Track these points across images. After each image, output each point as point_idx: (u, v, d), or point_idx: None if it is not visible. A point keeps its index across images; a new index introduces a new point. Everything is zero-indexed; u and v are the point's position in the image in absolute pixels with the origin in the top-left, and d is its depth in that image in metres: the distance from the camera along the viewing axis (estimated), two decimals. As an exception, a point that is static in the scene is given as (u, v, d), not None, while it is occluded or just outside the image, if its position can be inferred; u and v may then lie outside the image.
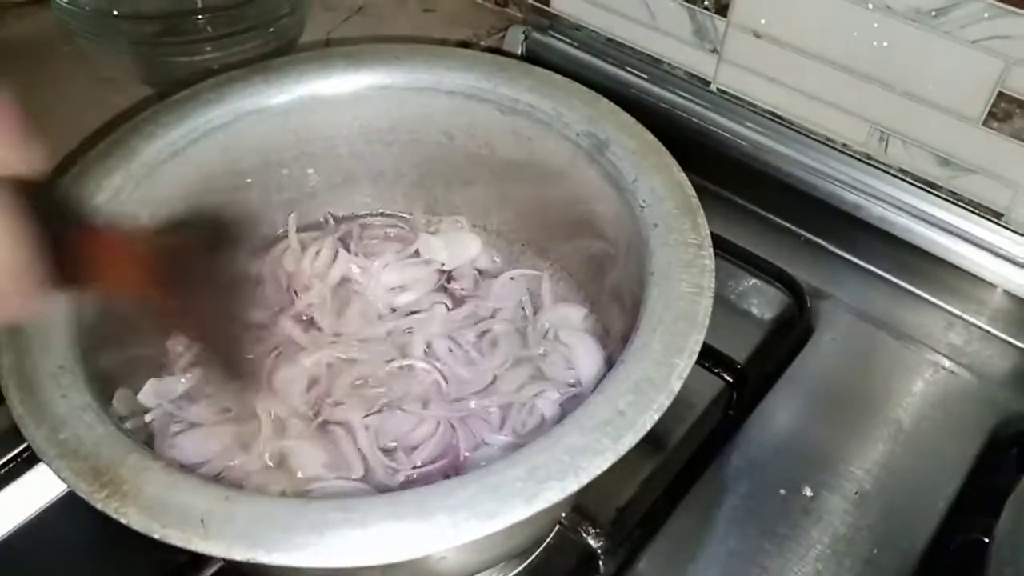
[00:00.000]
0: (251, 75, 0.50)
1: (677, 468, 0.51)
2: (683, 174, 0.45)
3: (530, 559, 0.49)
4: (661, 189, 0.44)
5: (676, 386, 0.36)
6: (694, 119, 0.71)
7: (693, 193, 0.44)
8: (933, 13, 0.55)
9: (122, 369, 0.44)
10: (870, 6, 0.58)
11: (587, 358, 0.48)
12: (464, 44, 0.77)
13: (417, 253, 0.56)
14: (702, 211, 0.43)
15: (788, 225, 0.67)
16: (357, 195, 0.57)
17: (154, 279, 0.34)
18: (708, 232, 0.42)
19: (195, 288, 0.37)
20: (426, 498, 0.33)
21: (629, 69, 0.73)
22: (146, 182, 0.46)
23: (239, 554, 0.31)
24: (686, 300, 0.39)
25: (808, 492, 0.52)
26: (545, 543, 0.50)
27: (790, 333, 0.59)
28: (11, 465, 0.49)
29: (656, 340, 0.37)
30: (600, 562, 0.47)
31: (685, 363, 0.37)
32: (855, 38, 0.60)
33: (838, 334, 0.60)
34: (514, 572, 0.49)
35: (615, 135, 0.47)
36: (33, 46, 0.75)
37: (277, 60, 0.51)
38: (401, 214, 0.58)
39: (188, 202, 0.49)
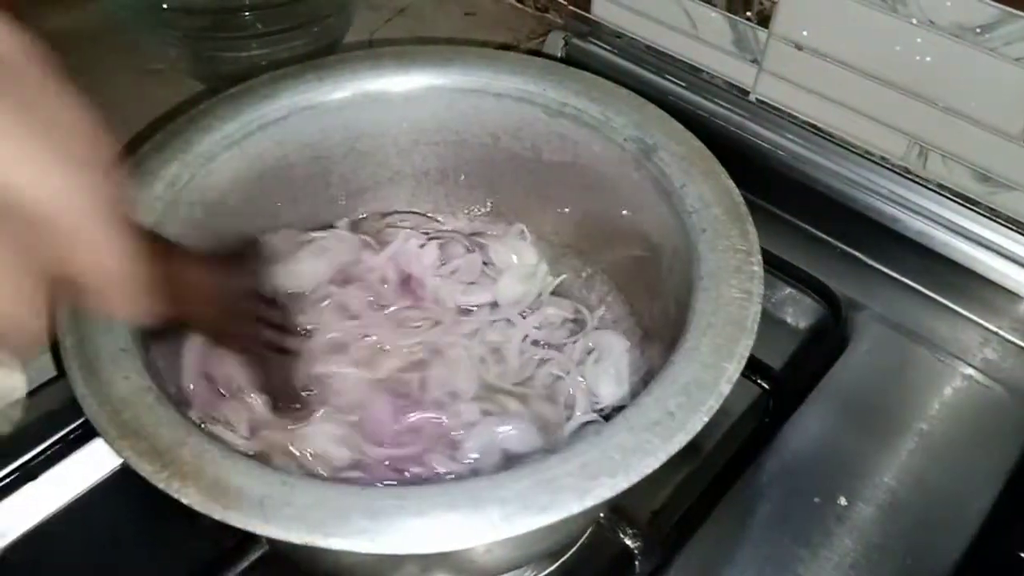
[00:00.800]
0: (305, 72, 0.51)
1: (713, 473, 0.52)
2: (731, 181, 0.46)
3: (564, 558, 0.50)
4: (709, 195, 0.45)
5: (725, 389, 0.36)
6: (732, 128, 0.71)
7: (741, 200, 0.44)
8: (978, 30, 0.56)
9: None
10: (914, 21, 0.58)
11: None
12: (504, 48, 0.78)
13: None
14: (750, 218, 0.44)
15: (824, 236, 0.67)
16: (402, 192, 0.58)
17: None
18: (756, 239, 0.43)
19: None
20: (478, 489, 0.33)
21: (668, 77, 0.74)
22: (201, 172, 0.47)
23: (297, 537, 0.32)
24: (735, 305, 0.40)
25: (843, 501, 0.52)
26: (579, 542, 0.50)
27: (825, 343, 0.60)
28: (59, 445, 0.50)
29: (705, 344, 0.38)
30: (636, 563, 0.47)
31: (734, 367, 0.37)
32: (898, 52, 0.60)
33: (873, 345, 0.60)
34: (548, 570, 0.49)
35: (663, 140, 0.48)
36: (80, 37, 0.76)
37: (330, 58, 0.52)
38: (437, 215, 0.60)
39: (241, 195, 0.50)
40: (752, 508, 0.52)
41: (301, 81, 0.51)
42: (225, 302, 0.40)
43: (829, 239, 0.67)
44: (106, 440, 0.35)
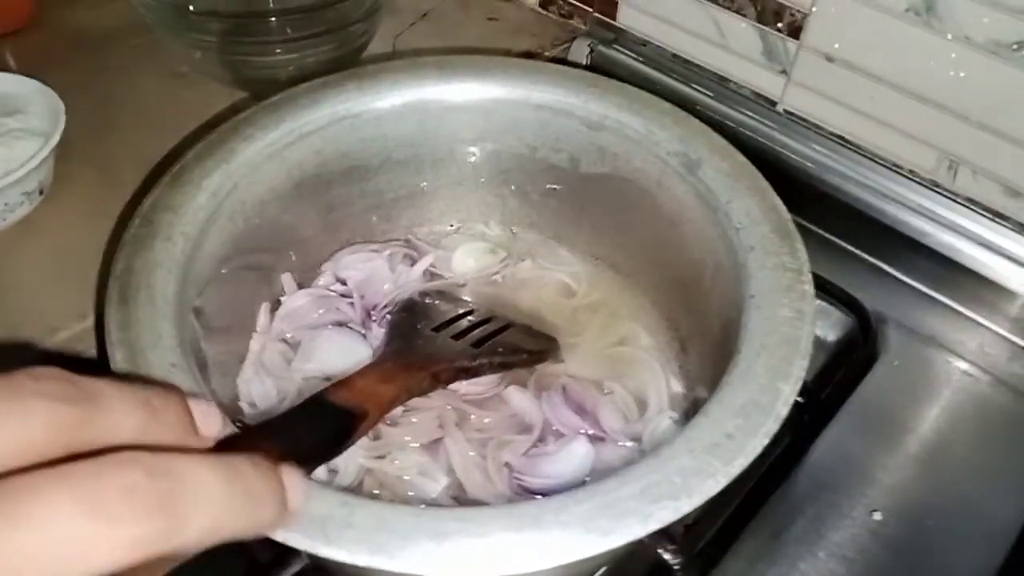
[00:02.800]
0: (345, 81, 0.51)
1: (747, 487, 0.51)
2: (778, 198, 0.45)
3: (598, 573, 0.50)
4: (756, 212, 0.44)
5: (783, 412, 0.36)
6: (759, 139, 0.71)
7: (789, 217, 0.44)
8: (1015, 46, 0.56)
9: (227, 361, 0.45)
10: (949, 36, 0.58)
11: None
12: (528, 55, 0.77)
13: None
14: (799, 235, 0.43)
15: (852, 248, 0.67)
16: (436, 203, 0.57)
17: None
18: (806, 257, 0.42)
19: None
20: (541, 512, 0.33)
21: (694, 86, 0.74)
22: (243, 183, 0.47)
23: (362, 560, 0.31)
24: (788, 325, 0.39)
25: (878, 516, 0.52)
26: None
27: (855, 356, 0.60)
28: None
29: (760, 364, 0.38)
30: (674, 579, 0.47)
31: (790, 389, 0.37)
32: (931, 67, 0.60)
33: (902, 359, 0.60)
34: (584, 585, 0.49)
35: (707, 155, 0.48)
36: (104, 37, 0.75)
37: (371, 67, 0.52)
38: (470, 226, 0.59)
39: (278, 205, 0.50)
40: (786, 524, 0.51)
41: (342, 90, 0.50)
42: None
43: (857, 252, 0.67)
44: (162, 458, 0.34)
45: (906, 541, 0.51)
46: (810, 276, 0.42)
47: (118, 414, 0.23)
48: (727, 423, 0.36)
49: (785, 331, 0.39)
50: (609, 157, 0.51)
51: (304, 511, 0.33)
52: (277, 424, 0.36)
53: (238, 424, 0.46)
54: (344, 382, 0.39)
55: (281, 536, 0.32)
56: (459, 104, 0.52)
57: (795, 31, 0.66)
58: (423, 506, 0.34)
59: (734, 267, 0.43)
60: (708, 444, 0.35)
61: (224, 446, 0.33)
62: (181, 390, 0.27)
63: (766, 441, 0.35)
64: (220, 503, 0.23)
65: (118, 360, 0.37)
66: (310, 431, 0.36)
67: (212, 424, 0.27)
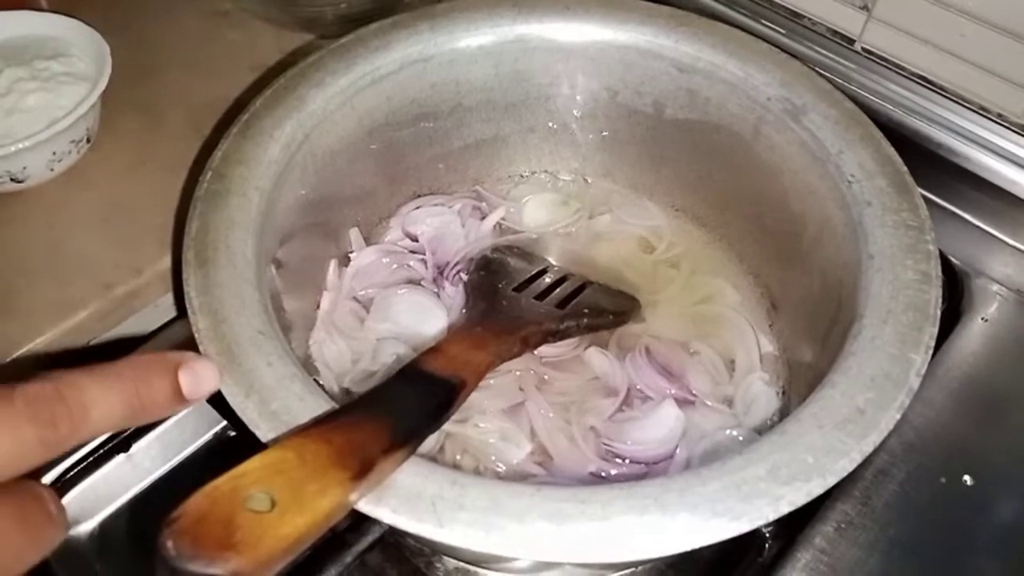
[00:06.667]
0: (416, 22, 0.47)
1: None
2: (892, 148, 0.42)
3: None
4: (871, 164, 0.41)
5: (915, 383, 0.34)
6: (835, 79, 0.66)
7: (906, 170, 0.41)
8: None
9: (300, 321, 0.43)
10: (1057, -32, 0.54)
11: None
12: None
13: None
14: (918, 190, 0.40)
15: (934, 197, 0.63)
16: (506, 151, 0.54)
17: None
18: (927, 214, 0.40)
19: None
20: (663, 492, 0.31)
21: (764, 22, 0.69)
22: (315, 133, 0.44)
23: (477, 544, 0.30)
24: (913, 289, 0.37)
25: (968, 480, 0.50)
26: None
27: (941, 313, 0.57)
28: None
29: (887, 332, 0.35)
30: (767, 545, 0.46)
31: (922, 358, 0.35)
32: (1033, 2, 0.56)
33: (992, 316, 0.57)
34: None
35: (813, 101, 0.44)
36: (140, -23, 0.71)
37: (443, 5, 0.48)
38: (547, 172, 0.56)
39: (348, 155, 0.47)
40: (876, 488, 0.49)
41: (413, 32, 0.47)
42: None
43: (940, 201, 0.63)
44: (257, 434, 0.32)
45: (999, 506, 0.49)
46: (933, 235, 0.39)
47: (101, 415, 0.27)
48: (857, 396, 0.33)
49: (911, 295, 0.36)
50: (700, 102, 0.48)
51: (412, 490, 0.31)
52: (378, 396, 0.34)
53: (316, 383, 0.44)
54: (437, 349, 0.37)
55: (390, 519, 0.31)
56: (537, 45, 0.49)
57: (881, -37, 0.61)
58: (538, 486, 0.31)
59: (847, 224, 0.40)
60: (839, 420, 0.33)
61: (327, 422, 0.31)
62: (169, 357, 0.31)
63: (898, 415, 0.33)
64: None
65: (201, 329, 0.35)
66: (412, 403, 0.34)
67: (204, 383, 0.31)
